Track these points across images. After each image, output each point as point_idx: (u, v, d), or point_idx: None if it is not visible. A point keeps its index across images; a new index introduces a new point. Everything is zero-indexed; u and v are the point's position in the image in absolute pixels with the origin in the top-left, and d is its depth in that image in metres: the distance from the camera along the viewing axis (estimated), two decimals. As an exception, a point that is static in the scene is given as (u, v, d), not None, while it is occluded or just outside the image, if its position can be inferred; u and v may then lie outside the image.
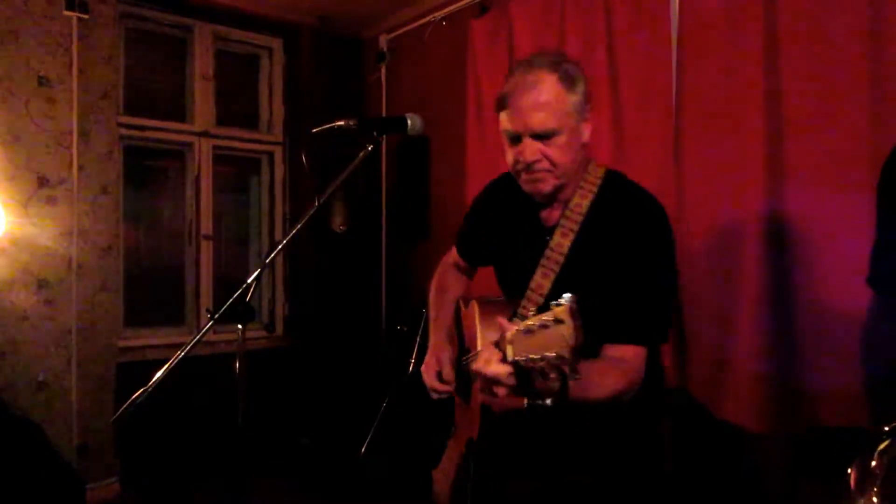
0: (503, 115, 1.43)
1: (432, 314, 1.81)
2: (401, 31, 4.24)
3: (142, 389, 1.30)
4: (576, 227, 1.41)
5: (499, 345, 1.13)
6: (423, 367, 1.68)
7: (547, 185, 1.42)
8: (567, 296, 1.00)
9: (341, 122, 1.50)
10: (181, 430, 3.67)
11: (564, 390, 1.14)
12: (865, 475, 1.15)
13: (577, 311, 0.99)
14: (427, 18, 3.90)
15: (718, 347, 2.44)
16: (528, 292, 1.42)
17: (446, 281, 1.90)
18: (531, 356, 1.04)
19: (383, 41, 4.37)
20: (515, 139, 1.41)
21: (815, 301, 2.20)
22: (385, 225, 4.36)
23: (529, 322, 1.05)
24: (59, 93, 3.39)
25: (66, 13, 3.39)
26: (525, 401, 1.18)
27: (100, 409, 3.47)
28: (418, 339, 3.00)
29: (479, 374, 1.14)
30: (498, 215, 1.65)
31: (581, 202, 1.43)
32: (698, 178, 2.55)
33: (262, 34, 4.44)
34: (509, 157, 1.45)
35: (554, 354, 1.00)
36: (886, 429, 1.18)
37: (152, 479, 3.65)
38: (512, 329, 1.09)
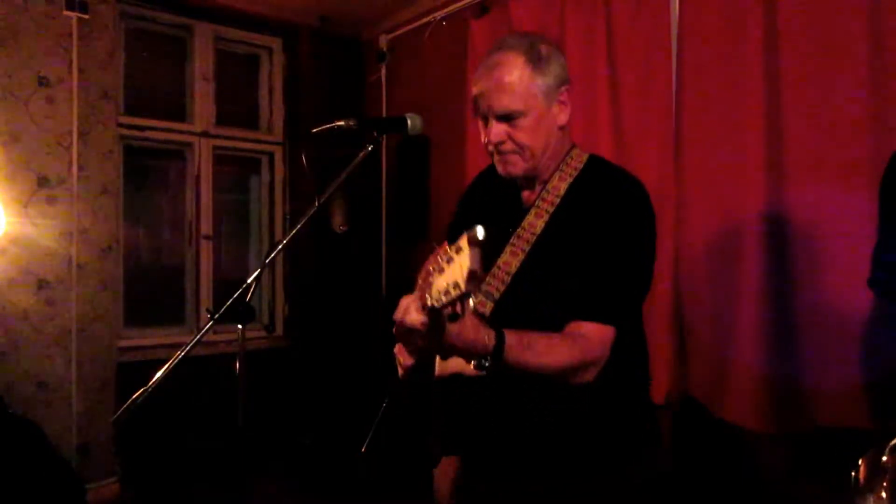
0: (473, 83, 1.42)
1: None
2: (401, 31, 4.24)
3: (142, 389, 1.30)
4: (551, 209, 1.38)
5: (420, 291, 1.10)
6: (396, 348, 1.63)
7: (516, 168, 1.40)
8: (477, 227, 0.96)
9: (341, 122, 1.49)
10: (181, 430, 3.67)
11: (499, 350, 1.15)
12: (875, 471, 1.14)
13: (476, 237, 0.95)
14: (427, 18, 3.90)
15: (718, 347, 2.44)
16: (495, 269, 1.38)
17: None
18: (441, 296, 1.01)
19: (383, 41, 4.37)
20: (484, 119, 1.40)
21: (815, 301, 2.20)
22: (385, 225, 4.36)
23: (442, 261, 1.03)
24: (59, 93, 3.39)
25: (66, 13, 3.39)
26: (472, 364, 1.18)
27: (100, 409, 3.46)
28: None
29: (397, 323, 1.13)
30: (483, 196, 1.62)
31: (559, 184, 1.40)
32: (698, 178, 2.55)
33: (262, 34, 4.44)
34: (482, 137, 1.43)
35: (453, 283, 0.97)
36: None
37: (152, 479, 3.64)
38: (430, 271, 1.06)
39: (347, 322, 4.39)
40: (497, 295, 1.38)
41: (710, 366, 2.47)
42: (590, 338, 1.27)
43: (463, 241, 0.97)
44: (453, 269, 0.99)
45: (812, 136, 2.22)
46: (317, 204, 1.45)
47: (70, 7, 3.39)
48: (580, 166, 1.42)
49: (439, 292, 1.02)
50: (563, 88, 1.39)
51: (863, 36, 2.10)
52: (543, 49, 1.37)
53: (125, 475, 3.58)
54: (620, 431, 1.40)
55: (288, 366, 4.24)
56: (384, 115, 4.33)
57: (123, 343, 3.75)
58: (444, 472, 1.74)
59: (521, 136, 1.36)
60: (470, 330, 1.12)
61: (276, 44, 4.50)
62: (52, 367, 3.35)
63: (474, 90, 1.40)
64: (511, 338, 1.18)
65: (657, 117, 2.70)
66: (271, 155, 4.50)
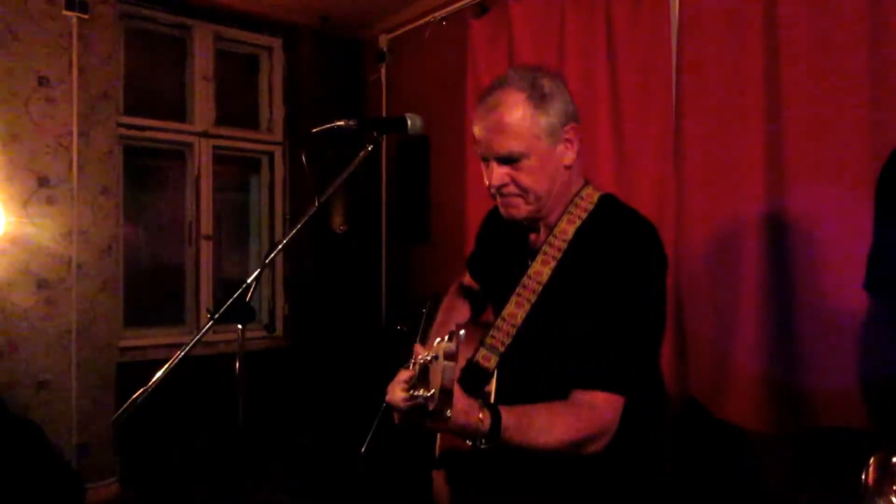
0: (474, 124, 1.34)
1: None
2: (401, 31, 4.24)
3: (142, 389, 1.30)
4: (558, 255, 1.29)
5: (413, 368, 1.10)
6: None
7: (519, 212, 1.33)
8: (459, 331, 0.93)
9: (341, 122, 1.49)
10: (181, 430, 3.67)
11: (495, 432, 1.08)
12: (885, 473, 1.13)
13: (453, 349, 0.93)
14: (427, 18, 3.90)
15: (718, 347, 2.44)
16: (500, 321, 1.32)
17: (453, 302, 1.76)
18: (418, 392, 1.01)
19: (383, 41, 4.37)
20: (485, 160, 1.33)
21: (815, 301, 2.20)
22: (385, 225, 4.36)
23: (429, 356, 1.00)
24: (59, 93, 3.39)
25: (66, 13, 3.39)
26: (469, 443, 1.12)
27: (100, 409, 3.47)
28: (418, 340, 2.99)
29: (389, 401, 1.13)
30: (493, 235, 1.56)
31: (567, 228, 1.30)
32: (698, 179, 2.55)
33: (262, 34, 4.44)
34: (484, 178, 1.36)
35: (428, 393, 0.96)
36: None
37: (152, 479, 3.64)
38: (419, 356, 1.05)
39: (347, 322, 4.39)
40: (502, 348, 1.32)
41: (710, 366, 2.47)
42: (598, 407, 1.17)
43: (440, 350, 0.95)
44: (434, 372, 0.96)
45: (812, 137, 2.22)
46: (317, 204, 1.45)
47: (70, 7, 3.39)
48: (590, 208, 1.32)
49: (419, 385, 1.01)
50: (568, 126, 1.31)
51: (863, 36, 2.09)
52: (546, 85, 1.29)
53: (125, 475, 3.58)
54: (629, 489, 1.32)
55: (288, 366, 4.24)
56: (384, 115, 4.34)
57: (123, 343, 3.75)
58: (445, 472, 1.74)
59: (524, 179, 1.28)
60: (461, 414, 1.05)
61: (276, 44, 4.50)
62: (52, 367, 3.35)
63: (474, 130, 1.33)
64: (508, 418, 1.10)
65: (657, 117, 2.70)
66: (271, 155, 4.50)
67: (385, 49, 4.36)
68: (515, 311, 1.30)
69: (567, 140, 1.31)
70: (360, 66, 4.67)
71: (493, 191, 1.33)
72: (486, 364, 1.33)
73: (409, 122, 1.54)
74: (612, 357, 1.18)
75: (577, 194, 1.34)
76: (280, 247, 1.47)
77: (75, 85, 3.43)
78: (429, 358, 1.00)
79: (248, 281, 1.37)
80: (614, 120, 2.85)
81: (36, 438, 2.89)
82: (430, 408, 0.94)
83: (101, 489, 3.47)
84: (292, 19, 4.37)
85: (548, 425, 1.14)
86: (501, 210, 1.36)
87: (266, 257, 1.44)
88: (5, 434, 2.82)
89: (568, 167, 1.32)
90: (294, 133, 4.47)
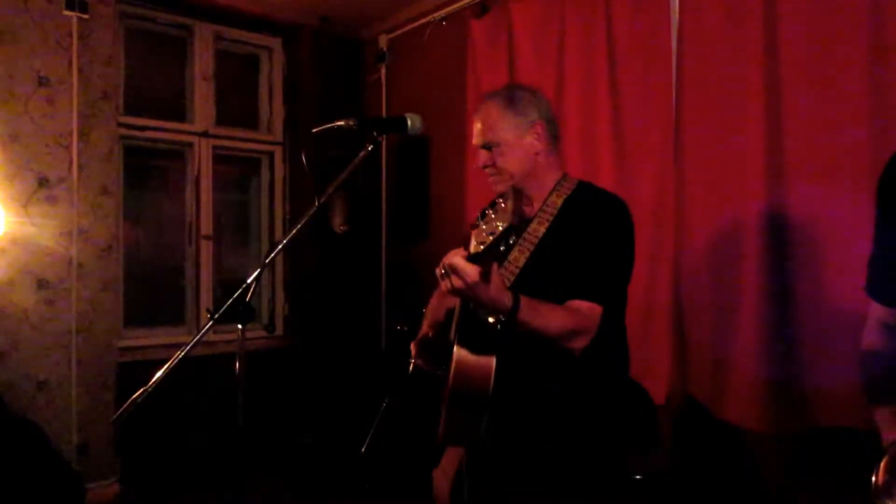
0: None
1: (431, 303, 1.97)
2: (401, 31, 4.24)
3: (142, 389, 1.30)
4: (550, 218, 1.66)
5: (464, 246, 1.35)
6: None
7: (501, 186, 1.66)
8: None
9: (341, 122, 1.50)
10: (181, 430, 3.67)
11: (515, 309, 1.37)
12: (895, 474, 1.13)
13: (518, 189, 1.26)
14: (427, 18, 3.90)
15: (718, 347, 2.44)
16: (506, 263, 1.63)
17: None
18: (485, 237, 1.25)
19: (383, 41, 4.37)
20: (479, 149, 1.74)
21: (815, 301, 2.20)
22: (385, 225, 4.36)
23: (480, 221, 1.29)
24: (59, 93, 3.39)
25: (66, 13, 3.39)
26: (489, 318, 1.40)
27: (100, 409, 3.47)
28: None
29: (443, 266, 1.33)
30: None
31: (556, 200, 1.69)
32: (698, 179, 2.55)
33: (262, 34, 4.44)
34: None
35: (501, 226, 1.22)
36: None
37: (152, 479, 3.65)
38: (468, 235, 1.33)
39: (347, 322, 4.39)
40: (507, 284, 1.59)
41: (710, 366, 2.47)
42: (583, 311, 1.53)
43: (506, 192, 1.25)
44: (499, 214, 1.24)
45: (812, 137, 2.22)
46: (317, 204, 1.45)
47: (70, 7, 3.39)
48: (572, 188, 1.71)
49: (485, 234, 1.25)
50: (536, 124, 1.68)
51: (863, 37, 2.09)
52: (518, 94, 1.72)
53: (125, 475, 3.58)
54: (610, 403, 1.64)
55: (288, 366, 4.24)
56: (384, 115, 4.33)
57: (123, 343, 3.75)
58: (444, 472, 1.75)
59: (499, 161, 1.68)
60: (496, 287, 1.34)
61: (276, 44, 4.50)
62: (52, 367, 3.35)
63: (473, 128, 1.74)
64: (524, 301, 1.42)
65: (657, 117, 2.70)
66: (271, 155, 4.51)
67: (385, 49, 4.36)
68: (518, 256, 1.63)
69: (535, 133, 1.68)
70: (360, 66, 4.67)
71: (483, 170, 1.73)
72: None
73: (409, 122, 1.55)
74: (594, 278, 1.57)
75: (560, 179, 1.72)
76: (280, 247, 1.47)
77: (75, 85, 3.43)
78: (482, 219, 1.28)
79: (248, 281, 1.37)
80: (614, 120, 2.85)
81: (36, 438, 2.89)
82: (504, 226, 1.22)
83: (101, 489, 3.48)
84: (292, 19, 4.37)
85: (549, 313, 1.48)
86: (492, 186, 1.73)
87: (266, 257, 1.44)
88: (5, 434, 2.82)
89: (537, 154, 1.69)
90: (294, 133, 4.47)
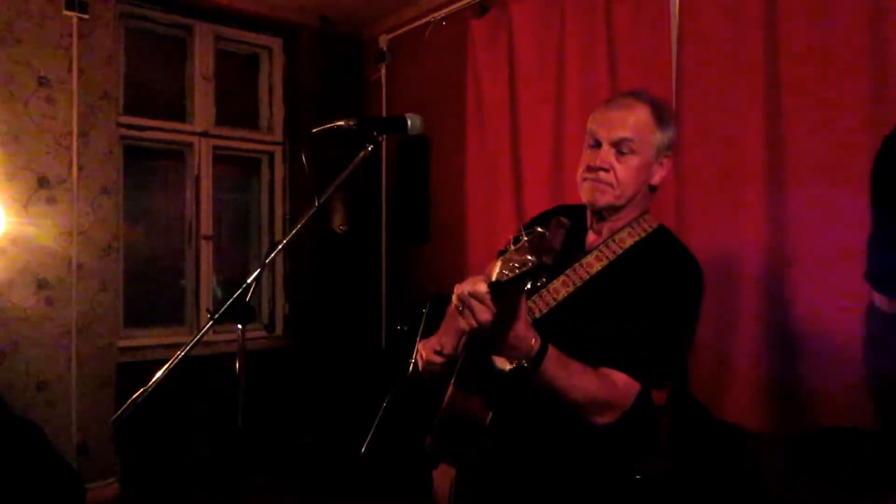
0: (592, 118, 1.49)
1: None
2: (401, 31, 4.24)
3: (142, 389, 1.30)
4: (612, 256, 1.44)
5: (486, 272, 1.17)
6: (420, 343, 1.67)
7: (604, 197, 1.45)
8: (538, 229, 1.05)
9: (341, 122, 1.50)
10: (181, 429, 3.67)
11: (541, 356, 1.19)
12: None
13: (562, 221, 1.07)
14: (427, 18, 3.90)
15: (718, 347, 2.44)
16: (543, 292, 1.44)
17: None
18: (506, 271, 1.06)
19: (383, 41, 4.37)
20: (596, 144, 1.47)
21: (815, 301, 2.20)
22: (385, 225, 4.36)
23: (512, 245, 1.09)
24: (59, 93, 3.39)
25: (66, 13, 3.39)
26: (507, 365, 1.22)
27: (100, 409, 3.46)
28: (419, 339, 2.99)
29: (461, 294, 1.14)
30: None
31: (626, 239, 1.46)
32: (698, 179, 2.55)
33: (262, 34, 4.44)
34: (583, 160, 1.50)
35: (533, 262, 1.03)
36: None
37: (152, 479, 3.64)
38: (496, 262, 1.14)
39: (347, 322, 4.39)
40: (538, 314, 1.42)
41: (710, 366, 2.47)
42: (620, 387, 1.31)
43: (545, 228, 1.05)
44: (531, 248, 1.04)
45: (813, 137, 2.22)
46: (317, 204, 1.45)
47: (70, 7, 3.39)
48: (649, 230, 1.49)
49: (515, 265, 1.05)
50: (668, 153, 1.49)
51: (864, 38, 2.09)
52: (667, 113, 1.49)
53: (125, 475, 3.58)
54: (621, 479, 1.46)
55: (288, 366, 4.24)
56: (384, 115, 4.33)
57: (123, 343, 3.75)
58: (444, 472, 1.74)
59: (622, 172, 1.43)
60: (523, 326, 1.16)
61: (276, 44, 4.49)
62: (52, 367, 3.35)
63: (592, 121, 1.49)
64: (553, 350, 1.22)
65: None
66: (271, 155, 4.50)
67: (385, 49, 4.36)
68: (560, 287, 1.42)
69: (661, 164, 1.48)
70: (360, 66, 4.67)
71: (587, 174, 1.47)
72: None
73: (409, 122, 1.55)
74: (645, 351, 1.33)
75: (641, 215, 1.50)
76: (280, 247, 1.47)
77: (75, 85, 3.43)
78: (510, 248, 1.08)
79: (248, 281, 1.37)
80: (614, 120, 2.84)
81: (36, 438, 2.89)
82: (533, 263, 1.01)
83: (101, 489, 3.47)
84: (292, 19, 4.37)
85: (580, 374, 1.27)
86: (586, 194, 1.49)
87: (266, 257, 1.44)
88: (5, 434, 2.82)
89: (652, 187, 1.49)
90: (294, 133, 4.47)
